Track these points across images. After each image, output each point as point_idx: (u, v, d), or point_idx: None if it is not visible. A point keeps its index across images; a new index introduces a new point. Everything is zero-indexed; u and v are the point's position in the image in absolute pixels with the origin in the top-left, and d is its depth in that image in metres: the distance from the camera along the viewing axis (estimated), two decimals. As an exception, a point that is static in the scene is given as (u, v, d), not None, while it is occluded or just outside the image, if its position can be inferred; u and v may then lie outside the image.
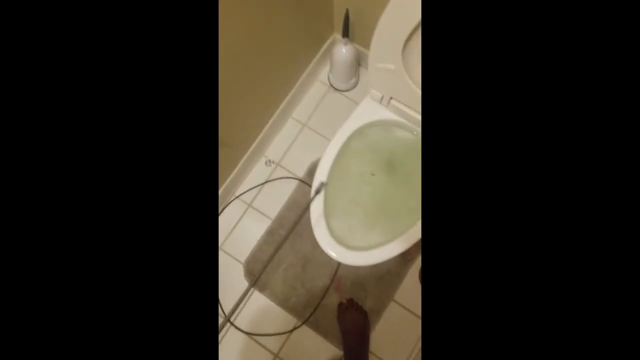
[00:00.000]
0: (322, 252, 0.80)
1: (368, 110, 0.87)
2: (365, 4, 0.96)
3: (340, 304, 1.09)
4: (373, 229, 0.86)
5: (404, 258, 1.13)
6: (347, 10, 0.95)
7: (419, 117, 0.81)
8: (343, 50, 1.07)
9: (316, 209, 0.81)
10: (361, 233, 0.85)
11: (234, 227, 1.19)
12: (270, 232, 1.18)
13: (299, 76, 1.18)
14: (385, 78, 0.76)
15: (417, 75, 0.73)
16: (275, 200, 1.20)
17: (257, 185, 1.22)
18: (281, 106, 1.17)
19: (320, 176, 0.83)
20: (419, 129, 0.85)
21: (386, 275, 1.13)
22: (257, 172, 1.23)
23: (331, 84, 1.27)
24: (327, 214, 0.83)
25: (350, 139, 0.87)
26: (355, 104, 1.06)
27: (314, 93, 1.28)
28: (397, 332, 1.10)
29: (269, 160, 1.24)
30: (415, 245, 0.80)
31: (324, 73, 1.29)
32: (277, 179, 1.22)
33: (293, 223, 1.14)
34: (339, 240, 0.82)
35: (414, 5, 0.57)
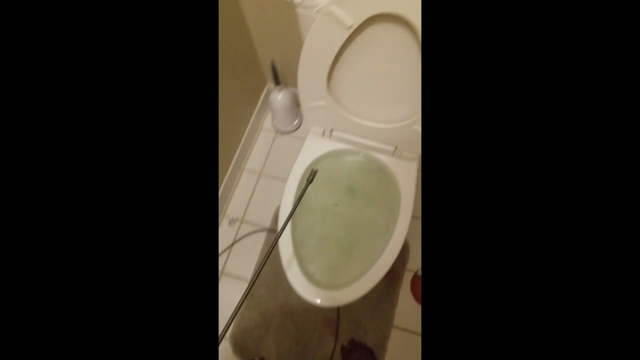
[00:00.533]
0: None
1: (314, 147, 0.89)
2: (286, 52, 1.03)
3: (343, 349, 1.02)
4: (351, 259, 0.83)
5: (392, 279, 1.11)
6: (272, 61, 1.01)
7: (362, 140, 0.84)
8: (279, 97, 1.12)
9: (288, 260, 0.77)
10: (341, 268, 0.82)
11: (211, 298, 1.10)
12: (250, 295, 1.11)
13: (244, 131, 1.20)
14: (320, 114, 0.79)
15: (349, 103, 0.77)
16: (247, 259, 1.14)
17: (225, 250, 1.16)
18: (232, 164, 1.16)
19: (284, 222, 0.81)
20: (365, 151, 0.88)
21: (379, 304, 1.09)
22: (222, 235, 1.17)
23: (277, 129, 1.30)
24: (301, 261, 0.80)
25: (304, 178, 0.87)
26: (304, 142, 1.09)
27: (262, 142, 1.30)
28: (408, 358, 1.03)
29: (232, 220, 1.20)
30: (398, 261, 0.78)
31: (267, 121, 1.32)
32: (244, 236, 1.18)
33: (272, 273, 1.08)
34: (322, 284, 0.78)
35: (326, 43, 0.61)
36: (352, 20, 0.56)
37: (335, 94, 0.75)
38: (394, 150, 0.83)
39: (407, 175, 0.86)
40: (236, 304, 1.10)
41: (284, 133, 1.30)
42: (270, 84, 1.24)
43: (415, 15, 0.53)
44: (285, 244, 0.78)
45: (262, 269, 0.71)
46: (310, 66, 0.67)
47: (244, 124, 1.20)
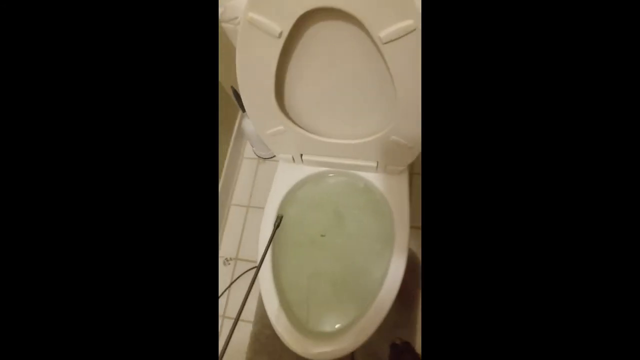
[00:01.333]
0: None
1: (286, 176, 0.79)
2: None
3: (394, 346, 0.89)
4: (348, 297, 0.73)
5: (406, 302, 0.99)
6: (232, 87, 0.93)
7: (339, 160, 0.74)
8: (249, 123, 1.04)
9: (275, 313, 0.67)
10: (337, 310, 0.71)
11: (213, 350, 1.02)
12: (255, 338, 1.01)
13: (223, 162, 1.12)
14: (283, 140, 0.70)
15: (311, 122, 0.67)
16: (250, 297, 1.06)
17: (223, 292, 1.08)
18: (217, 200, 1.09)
19: (264, 267, 0.72)
20: (347, 170, 0.78)
21: (396, 330, 0.97)
22: (218, 277, 1.10)
23: (258, 156, 1.21)
24: (291, 309, 0.70)
25: (281, 210, 0.78)
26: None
27: (245, 172, 1.22)
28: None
29: (226, 260, 1.12)
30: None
31: (247, 149, 1.24)
32: (241, 275, 1.09)
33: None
34: (317, 334, 0.67)
35: (259, 59, 0.52)
36: (280, 27, 0.46)
37: (293, 114, 0.65)
38: (377, 166, 0.73)
39: (396, 190, 0.74)
40: (240, 349, 1.01)
41: (266, 159, 1.21)
42: (241, 111, 1.16)
43: (351, 4, 0.43)
44: (269, 294, 0.69)
45: (238, 318, 0.62)
46: (252, 88, 0.57)
47: (222, 156, 1.12)
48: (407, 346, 0.93)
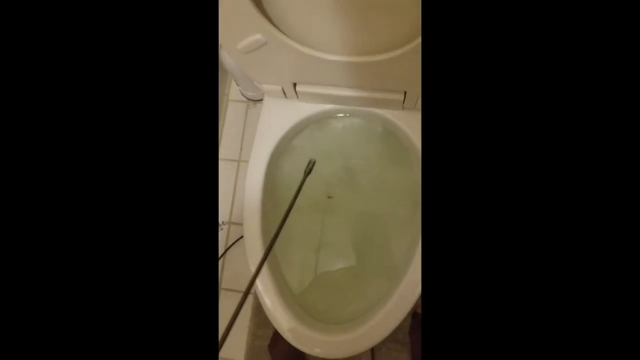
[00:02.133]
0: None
1: (276, 117, 0.57)
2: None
3: (416, 316, 0.78)
4: (368, 274, 0.56)
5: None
6: None
7: (348, 91, 0.52)
8: (226, 55, 0.79)
9: (269, 296, 0.51)
10: (355, 292, 0.56)
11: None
12: (258, 310, 0.90)
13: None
14: (264, 60, 0.47)
15: (302, 27, 0.43)
16: (244, 267, 0.92)
17: (219, 258, 0.94)
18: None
19: (252, 241, 0.54)
20: (360, 107, 0.56)
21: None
22: (210, 244, 0.95)
23: (246, 97, 0.99)
24: (291, 294, 0.54)
25: (272, 166, 0.58)
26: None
27: (232, 118, 1.00)
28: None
29: (220, 224, 0.96)
30: None
31: (233, 89, 1.01)
32: (237, 240, 0.94)
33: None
34: (331, 326, 0.52)
35: None
36: None
37: (275, 15, 0.41)
38: (404, 99, 0.50)
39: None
40: (242, 325, 0.91)
41: (256, 101, 0.98)
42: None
43: None
44: (262, 275, 0.52)
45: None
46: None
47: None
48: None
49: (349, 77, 0.48)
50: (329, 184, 0.60)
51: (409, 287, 0.49)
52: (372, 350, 0.79)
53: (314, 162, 0.59)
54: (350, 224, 0.58)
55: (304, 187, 0.59)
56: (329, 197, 0.60)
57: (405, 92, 0.49)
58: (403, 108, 0.53)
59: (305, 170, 0.58)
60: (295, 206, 0.60)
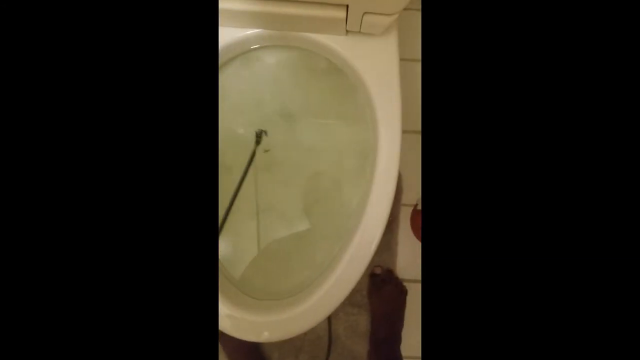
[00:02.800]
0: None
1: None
2: None
3: (374, 276, 0.76)
4: (315, 236, 0.48)
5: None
6: None
7: (277, 6, 0.39)
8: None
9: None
10: (302, 259, 0.48)
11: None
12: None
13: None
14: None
15: None
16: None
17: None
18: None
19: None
20: (295, 33, 0.44)
21: (375, 256, 0.80)
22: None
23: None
24: (220, 270, 0.45)
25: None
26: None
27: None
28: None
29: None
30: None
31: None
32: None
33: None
34: (270, 296, 0.44)
35: None
36: None
37: None
38: (347, 17, 0.40)
39: (381, 65, 0.44)
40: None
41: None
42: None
43: None
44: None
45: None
46: None
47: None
48: (389, 275, 0.79)
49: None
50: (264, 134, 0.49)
51: (361, 247, 0.43)
52: (329, 317, 0.74)
53: (262, 132, 0.47)
54: (291, 181, 0.49)
55: (235, 136, 0.48)
56: (265, 152, 0.49)
57: (347, 7, 0.39)
58: (347, 32, 0.43)
59: (255, 141, 0.46)
60: (224, 165, 0.48)
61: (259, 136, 0.48)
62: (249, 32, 0.44)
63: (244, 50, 0.47)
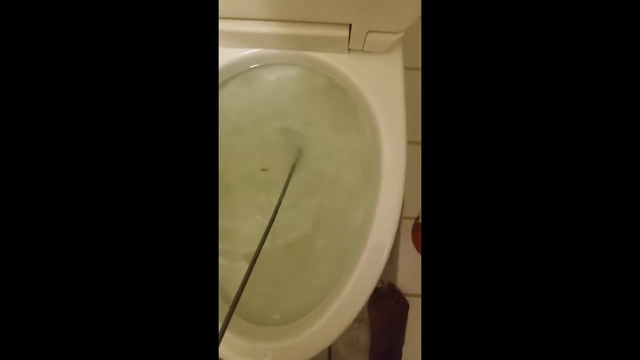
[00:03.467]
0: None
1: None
2: None
3: (375, 290, 0.76)
4: (316, 259, 0.47)
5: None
6: None
7: (277, 27, 0.38)
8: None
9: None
10: (302, 283, 0.46)
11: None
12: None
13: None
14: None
15: None
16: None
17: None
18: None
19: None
20: (296, 52, 0.43)
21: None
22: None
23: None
24: (222, 294, 0.43)
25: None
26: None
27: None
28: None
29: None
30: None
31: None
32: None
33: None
34: (267, 322, 0.43)
35: None
36: None
37: None
38: (350, 35, 0.39)
39: (384, 81, 0.43)
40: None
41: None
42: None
43: None
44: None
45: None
46: None
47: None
48: (390, 288, 0.77)
49: (277, 4, 0.35)
50: (263, 153, 0.48)
51: (366, 271, 0.41)
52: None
53: (301, 152, 0.46)
54: (291, 200, 0.47)
55: (234, 154, 0.46)
56: (263, 170, 0.48)
57: (350, 26, 0.38)
58: (349, 50, 0.42)
59: (292, 165, 0.44)
60: (222, 184, 0.47)
61: (296, 160, 0.46)
62: (248, 51, 0.42)
63: (243, 70, 0.45)
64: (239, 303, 0.43)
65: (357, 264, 0.41)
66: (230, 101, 0.47)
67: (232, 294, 0.45)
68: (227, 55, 0.42)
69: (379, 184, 0.42)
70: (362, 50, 0.41)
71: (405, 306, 0.77)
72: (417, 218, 0.81)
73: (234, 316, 0.42)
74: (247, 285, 0.45)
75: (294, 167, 0.45)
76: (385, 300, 0.75)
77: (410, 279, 0.80)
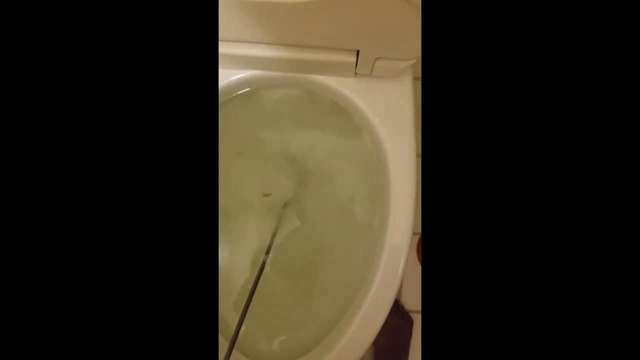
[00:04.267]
0: None
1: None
2: None
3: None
4: (321, 293, 0.45)
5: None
6: None
7: (281, 51, 0.36)
8: None
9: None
10: (301, 311, 0.44)
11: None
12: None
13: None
14: None
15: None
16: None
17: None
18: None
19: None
20: (300, 75, 0.40)
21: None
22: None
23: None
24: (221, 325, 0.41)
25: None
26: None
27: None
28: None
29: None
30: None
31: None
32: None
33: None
34: (268, 353, 0.41)
35: None
36: None
37: None
38: (357, 61, 0.36)
39: (393, 109, 0.41)
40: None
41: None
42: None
43: None
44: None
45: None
46: None
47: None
48: (395, 305, 0.76)
49: (282, 28, 0.33)
50: (264, 178, 0.46)
51: (375, 305, 0.39)
52: None
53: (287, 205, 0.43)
54: (291, 228, 0.45)
55: (234, 179, 0.44)
56: (265, 196, 0.46)
57: (357, 52, 0.35)
58: (356, 75, 0.39)
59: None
60: (221, 209, 0.45)
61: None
62: (250, 73, 0.40)
63: (243, 90, 0.43)
64: (239, 338, 0.41)
65: (366, 297, 0.39)
66: (231, 122, 0.45)
67: (230, 328, 0.43)
68: (228, 75, 0.40)
69: (387, 214, 0.40)
70: (372, 74, 0.39)
71: (409, 323, 0.76)
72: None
73: (235, 352, 0.40)
74: (249, 317, 0.43)
75: (280, 217, 0.43)
76: (390, 318, 0.74)
77: (414, 295, 0.78)
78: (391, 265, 0.40)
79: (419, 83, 0.44)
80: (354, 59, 0.36)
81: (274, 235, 0.42)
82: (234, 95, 0.43)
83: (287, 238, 0.45)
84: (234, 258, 0.44)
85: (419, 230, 0.79)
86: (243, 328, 0.42)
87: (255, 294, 0.42)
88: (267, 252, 0.41)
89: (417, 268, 0.78)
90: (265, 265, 0.44)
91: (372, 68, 0.37)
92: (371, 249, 0.43)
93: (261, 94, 0.45)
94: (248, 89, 0.43)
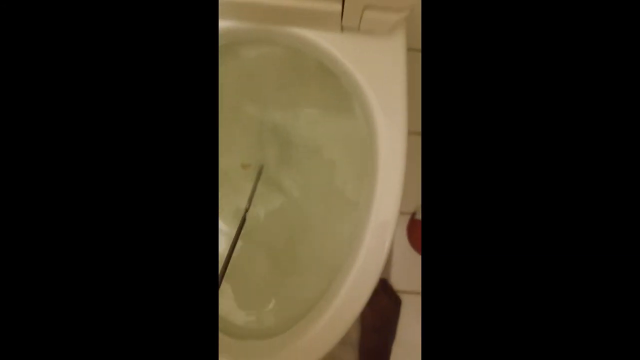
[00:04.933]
0: None
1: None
2: None
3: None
4: (298, 269, 0.42)
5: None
6: None
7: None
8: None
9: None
10: (282, 290, 0.42)
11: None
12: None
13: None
14: None
15: None
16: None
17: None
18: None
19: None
20: (281, 27, 0.36)
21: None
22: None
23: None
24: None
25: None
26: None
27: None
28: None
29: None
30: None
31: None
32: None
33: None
34: (247, 331, 0.39)
35: None
36: None
37: None
38: (342, 9, 0.32)
39: (383, 67, 0.36)
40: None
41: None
42: None
43: None
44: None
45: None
46: None
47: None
48: (383, 284, 0.75)
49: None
50: (242, 147, 0.42)
51: (356, 286, 0.37)
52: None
53: (262, 168, 0.40)
54: (274, 203, 0.42)
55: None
56: (244, 167, 0.42)
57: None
58: (342, 28, 0.35)
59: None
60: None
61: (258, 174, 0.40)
62: (222, 24, 0.35)
63: (220, 45, 0.38)
64: (222, 318, 0.39)
65: (349, 272, 0.37)
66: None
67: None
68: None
69: (373, 189, 0.36)
70: (359, 30, 0.34)
71: (398, 303, 0.75)
72: (414, 214, 0.77)
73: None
74: (228, 296, 0.40)
75: (258, 177, 0.39)
76: (377, 297, 0.73)
77: (404, 275, 0.77)
78: (377, 240, 0.37)
79: (412, 54, 0.40)
80: (339, 7, 0.31)
81: (253, 190, 0.38)
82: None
83: (267, 216, 0.42)
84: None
85: (408, 210, 0.77)
86: (224, 306, 0.40)
87: (238, 270, 0.40)
88: (247, 209, 0.38)
89: (407, 249, 0.77)
90: (248, 242, 0.41)
91: (360, 20, 0.32)
92: (357, 225, 0.40)
93: (237, 50, 0.40)
94: (221, 43, 0.38)
